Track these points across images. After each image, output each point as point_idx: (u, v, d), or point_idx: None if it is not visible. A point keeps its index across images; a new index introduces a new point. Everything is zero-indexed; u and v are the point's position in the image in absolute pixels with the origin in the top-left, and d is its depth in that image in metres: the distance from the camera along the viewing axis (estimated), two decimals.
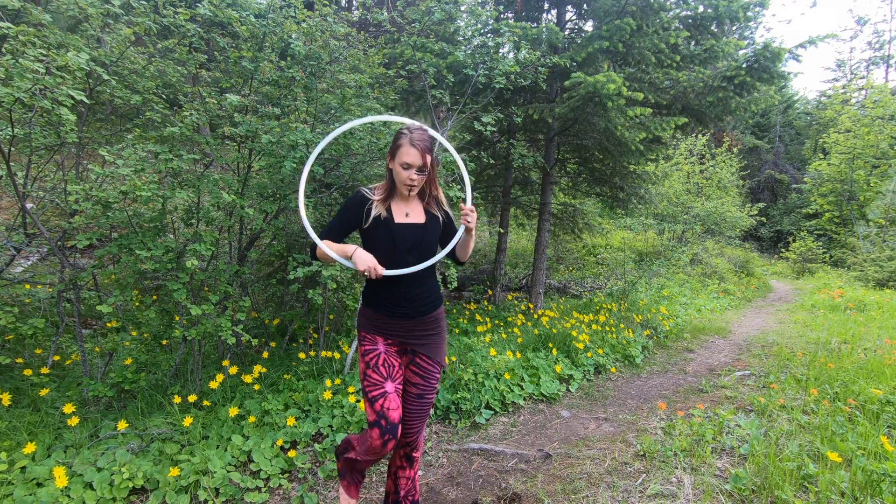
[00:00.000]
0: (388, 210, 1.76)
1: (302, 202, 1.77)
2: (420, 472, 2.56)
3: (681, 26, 5.30)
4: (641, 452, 2.69)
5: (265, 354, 3.27)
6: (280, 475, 2.34)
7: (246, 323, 3.03)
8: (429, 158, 1.69)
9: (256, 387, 2.89)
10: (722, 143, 18.71)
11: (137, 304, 2.99)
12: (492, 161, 5.87)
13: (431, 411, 1.60)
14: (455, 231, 1.86)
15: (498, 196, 6.77)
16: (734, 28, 6.07)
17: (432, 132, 1.73)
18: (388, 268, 1.70)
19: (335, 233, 1.78)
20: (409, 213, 1.80)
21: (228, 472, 2.23)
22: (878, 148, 17.00)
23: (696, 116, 5.53)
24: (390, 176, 1.76)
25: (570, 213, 7.54)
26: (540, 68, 4.37)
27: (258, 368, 2.91)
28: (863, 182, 17.31)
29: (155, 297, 3.12)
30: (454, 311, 5.83)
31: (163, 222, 2.69)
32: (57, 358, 3.04)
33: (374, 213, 1.74)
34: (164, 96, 3.34)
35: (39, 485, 1.96)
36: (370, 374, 1.71)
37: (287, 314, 3.79)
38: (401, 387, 1.77)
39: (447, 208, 1.89)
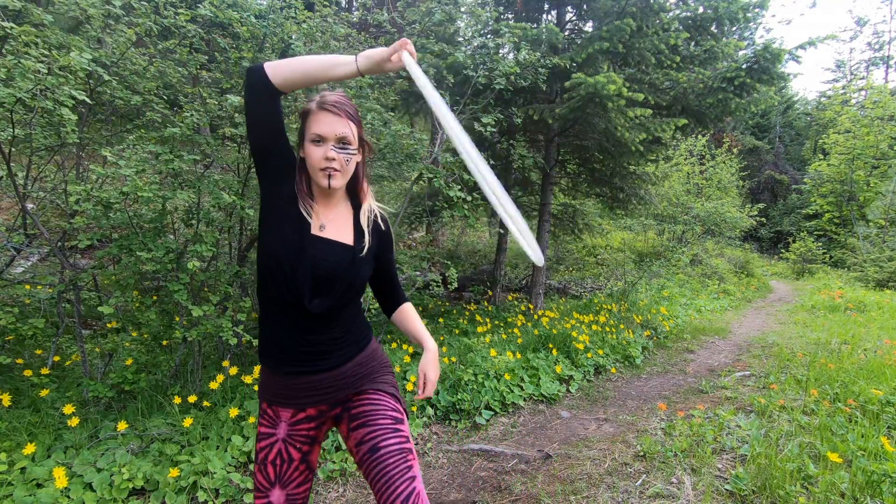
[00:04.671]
0: (307, 209, 1.17)
1: None
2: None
3: (681, 27, 5.30)
4: (641, 453, 2.69)
5: None
6: None
7: (246, 323, 3.02)
8: (354, 128, 1.16)
9: (256, 387, 2.88)
10: (722, 143, 18.73)
11: (137, 304, 2.99)
12: (492, 162, 5.87)
13: (413, 468, 1.15)
14: (391, 252, 1.33)
15: None
16: (734, 29, 6.07)
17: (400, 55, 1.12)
18: (281, 298, 1.15)
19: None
20: (328, 224, 1.20)
21: (228, 472, 2.23)
22: (877, 148, 17.00)
23: (696, 117, 5.53)
24: (303, 170, 1.19)
25: (570, 214, 7.54)
26: (540, 69, 4.38)
27: (258, 369, 2.91)
28: (863, 182, 17.32)
29: (155, 298, 3.12)
30: (454, 311, 5.83)
31: (163, 223, 2.69)
32: (57, 358, 3.04)
33: (294, 200, 1.17)
34: (164, 97, 3.34)
35: (39, 485, 1.96)
36: (256, 473, 1.21)
37: None
38: (299, 491, 1.22)
39: (382, 221, 1.30)
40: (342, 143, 1.15)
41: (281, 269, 1.13)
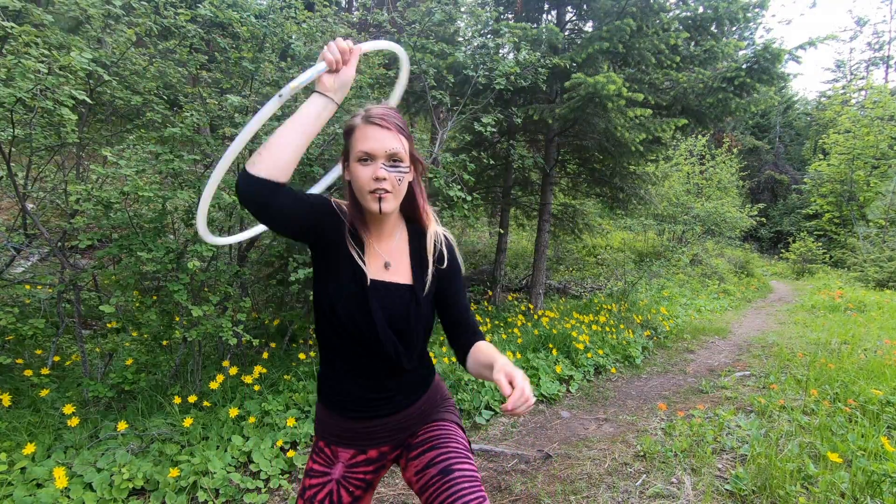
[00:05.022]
0: (360, 250, 1.06)
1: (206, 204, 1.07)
2: None
3: (681, 27, 5.31)
4: (641, 453, 2.69)
5: (265, 355, 3.27)
6: (280, 476, 2.34)
7: (246, 323, 3.02)
8: (405, 143, 1.04)
9: (256, 387, 2.89)
10: (722, 143, 18.73)
11: (137, 304, 2.99)
12: (492, 162, 5.88)
13: (486, 500, 1.03)
14: (456, 282, 1.13)
15: (498, 196, 6.77)
16: (734, 29, 6.07)
17: (391, 46, 1.09)
18: (343, 348, 1.09)
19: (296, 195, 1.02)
20: (391, 261, 1.10)
21: (228, 472, 2.23)
22: (877, 148, 17.01)
23: (696, 117, 5.53)
24: (351, 195, 1.07)
25: (570, 214, 7.54)
26: (540, 69, 4.38)
27: (258, 369, 2.91)
28: (862, 182, 17.32)
29: (155, 298, 3.12)
30: None
31: (163, 223, 2.69)
32: (57, 358, 3.04)
33: (341, 244, 1.06)
34: (164, 97, 3.34)
35: (39, 485, 1.96)
36: None
37: (287, 315, 3.79)
38: None
39: (447, 248, 1.14)
40: (393, 160, 1.02)
41: (340, 321, 1.05)
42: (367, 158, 1.01)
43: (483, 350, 1.08)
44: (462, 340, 1.14)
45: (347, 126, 1.06)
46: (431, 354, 1.25)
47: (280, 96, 0.98)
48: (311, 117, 0.97)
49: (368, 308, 1.04)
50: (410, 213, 1.14)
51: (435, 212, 1.19)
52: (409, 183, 1.09)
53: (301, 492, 1.15)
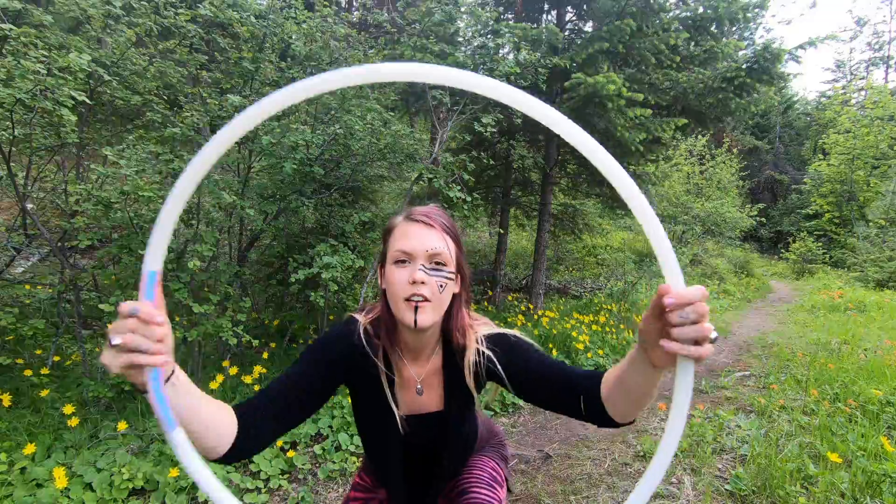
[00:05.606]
0: (390, 381, 0.96)
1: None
2: None
3: (681, 27, 5.31)
4: (641, 453, 2.69)
5: (265, 355, 3.27)
6: (280, 476, 2.34)
7: (246, 323, 3.02)
8: (452, 245, 0.90)
9: (256, 387, 2.88)
10: (722, 143, 18.72)
11: None
12: (492, 162, 5.88)
13: None
14: (528, 361, 0.93)
15: (498, 197, 6.77)
16: (734, 29, 6.08)
17: None
18: (385, 474, 1.09)
19: (288, 385, 0.88)
20: (423, 386, 0.99)
21: (228, 472, 2.23)
22: (877, 149, 17.00)
23: (696, 117, 5.53)
24: (385, 306, 0.94)
25: (570, 214, 7.54)
26: (540, 69, 4.38)
27: (258, 369, 2.91)
28: (862, 183, 17.32)
29: None
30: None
31: None
32: (57, 358, 3.04)
33: (371, 379, 0.96)
34: (164, 97, 3.34)
35: (39, 485, 1.96)
36: None
37: (287, 315, 3.79)
38: None
39: (484, 357, 0.95)
40: (435, 262, 0.87)
41: (379, 460, 1.06)
42: (406, 259, 0.87)
43: (612, 370, 0.78)
44: (578, 393, 0.82)
45: (387, 227, 0.94)
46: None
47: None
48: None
49: (399, 442, 0.99)
50: (448, 331, 0.96)
51: (485, 321, 1.02)
52: (453, 295, 0.93)
53: (345, 500, 1.16)
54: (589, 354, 4.46)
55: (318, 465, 2.51)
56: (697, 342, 0.56)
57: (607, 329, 5.26)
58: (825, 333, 6.00)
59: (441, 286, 0.87)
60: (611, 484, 2.38)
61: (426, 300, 0.86)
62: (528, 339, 0.98)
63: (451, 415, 0.99)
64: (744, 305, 10.05)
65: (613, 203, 7.19)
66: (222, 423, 0.76)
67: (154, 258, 0.58)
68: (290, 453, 2.41)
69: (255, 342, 2.86)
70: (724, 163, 15.71)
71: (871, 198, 16.82)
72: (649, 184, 7.19)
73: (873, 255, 13.42)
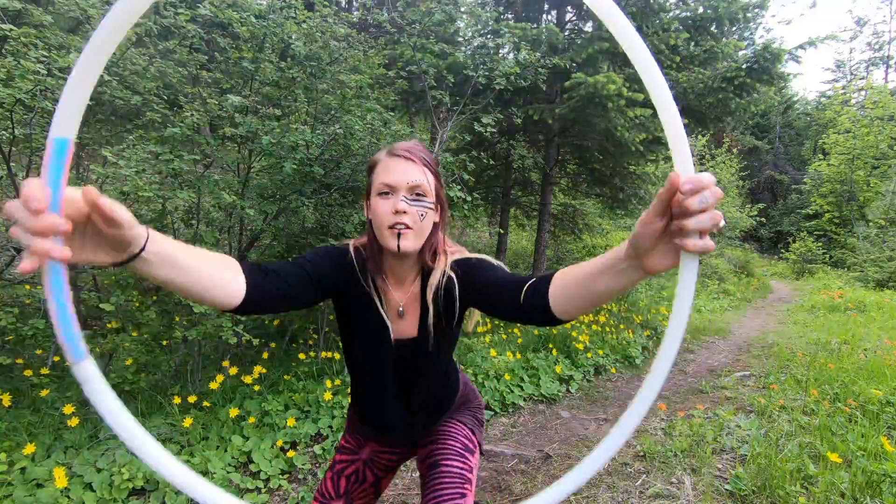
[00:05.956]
0: (381, 305, 1.03)
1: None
2: None
3: (681, 27, 5.31)
4: (641, 453, 2.69)
5: (265, 355, 3.27)
6: (280, 476, 2.34)
7: (246, 323, 3.02)
8: (431, 178, 0.97)
9: (256, 387, 2.89)
10: (722, 143, 18.72)
11: (137, 304, 2.99)
12: (492, 162, 5.88)
13: (466, 496, 1.07)
14: (483, 279, 0.97)
15: (498, 197, 6.78)
16: (734, 29, 6.08)
17: None
18: (369, 393, 1.17)
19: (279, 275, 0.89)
20: (405, 308, 1.05)
21: (228, 472, 2.23)
22: (877, 149, 17.00)
23: (696, 117, 5.54)
24: (370, 235, 1.01)
25: (570, 214, 7.55)
26: (540, 69, 4.38)
27: (258, 369, 2.91)
28: (862, 182, 17.32)
29: (155, 298, 3.12)
30: None
31: (163, 223, 2.69)
32: (57, 358, 3.04)
33: (360, 294, 1.03)
34: (164, 97, 3.34)
35: (39, 485, 1.96)
36: (327, 480, 1.20)
37: (287, 315, 3.79)
38: None
39: (445, 278, 1.01)
40: (416, 192, 0.95)
41: (367, 378, 1.14)
42: (388, 191, 0.95)
43: (572, 269, 0.74)
44: (525, 294, 0.83)
45: (370, 162, 1.01)
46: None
47: None
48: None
49: (381, 357, 1.08)
50: (426, 257, 1.02)
51: (461, 250, 1.09)
52: (433, 224, 1.00)
53: (332, 464, 1.23)
54: (589, 354, 4.46)
55: (318, 465, 2.51)
56: (703, 234, 0.53)
57: (607, 329, 5.26)
58: (825, 333, 6.00)
59: (422, 215, 0.95)
60: (611, 484, 2.38)
61: (408, 227, 0.93)
62: (496, 262, 1.02)
63: (425, 340, 1.04)
64: (744, 305, 10.05)
65: (613, 203, 7.19)
66: (223, 284, 0.74)
67: (65, 124, 0.46)
68: (290, 453, 2.41)
69: (256, 342, 2.86)
70: (724, 163, 15.72)
71: (871, 198, 16.81)
72: (649, 184, 7.18)
73: (873, 255, 13.42)
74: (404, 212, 0.93)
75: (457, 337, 1.17)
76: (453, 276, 1.00)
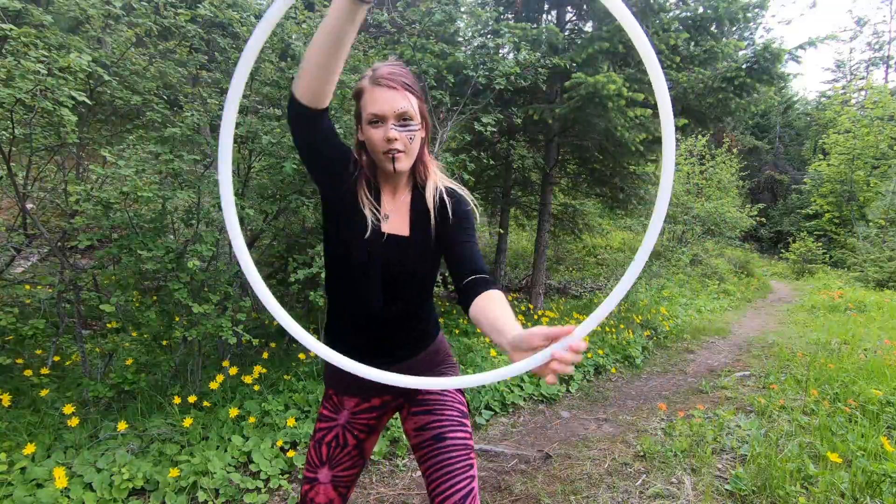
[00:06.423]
0: (376, 200, 1.11)
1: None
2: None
3: (681, 27, 5.31)
4: (641, 453, 2.69)
5: (265, 355, 3.27)
6: (280, 476, 2.34)
7: (246, 323, 3.02)
8: (414, 101, 1.05)
9: (256, 387, 2.89)
10: (722, 143, 18.71)
11: (137, 304, 2.99)
12: (492, 162, 5.88)
13: (474, 466, 1.14)
14: (462, 231, 1.12)
15: (498, 197, 6.77)
16: (734, 29, 6.08)
17: None
18: (351, 300, 1.15)
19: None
20: (392, 213, 1.13)
21: (228, 472, 2.23)
22: (877, 149, 17.00)
23: (696, 117, 5.53)
24: (367, 155, 1.12)
25: (570, 214, 7.55)
26: (540, 69, 4.38)
27: (258, 369, 2.91)
28: (862, 182, 17.31)
29: (155, 298, 3.13)
30: (454, 311, 5.83)
31: (163, 223, 2.69)
32: (57, 359, 3.04)
33: (355, 192, 1.10)
34: (164, 97, 3.34)
35: (39, 485, 1.96)
36: (311, 450, 1.23)
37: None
38: (346, 474, 1.22)
39: (450, 197, 1.15)
40: (403, 119, 1.04)
41: (349, 273, 1.13)
42: (378, 120, 1.03)
43: (495, 304, 0.97)
44: (466, 282, 1.05)
45: (356, 89, 1.08)
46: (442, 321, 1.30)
47: None
48: (335, 23, 0.83)
49: (368, 255, 1.10)
50: (419, 170, 1.14)
51: (441, 167, 1.21)
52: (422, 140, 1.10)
53: (313, 433, 1.26)
54: (589, 354, 4.46)
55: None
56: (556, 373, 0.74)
57: (607, 329, 5.26)
58: (825, 333, 6.00)
59: (411, 138, 1.06)
60: (611, 484, 2.38)
61: (400, 152, 1.04)
62: (476, 221, 1.17)
63: (414, 241, 1.13)
64: (744, 305, 10.05)
65: (613, 203, 7.19)
66: (324, 82, 0.92)
67: None
68: (290, 453, 2.41)
69: (256, 342, 2.85)
70: (724, 163, 15.70)
71: (871, 198, 16.81)
72: (649, 184, 7.19)
73: (873, 255, 13.42)
74: (395, 139, 1.03)
75: (436, 267, 1.21)
76: (449, 201, 1.13)
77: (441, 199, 1.13)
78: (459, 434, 1.16)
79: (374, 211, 1.10)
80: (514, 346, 0.81)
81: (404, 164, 1.06)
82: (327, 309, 1.22)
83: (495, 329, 0.90)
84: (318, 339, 1.16)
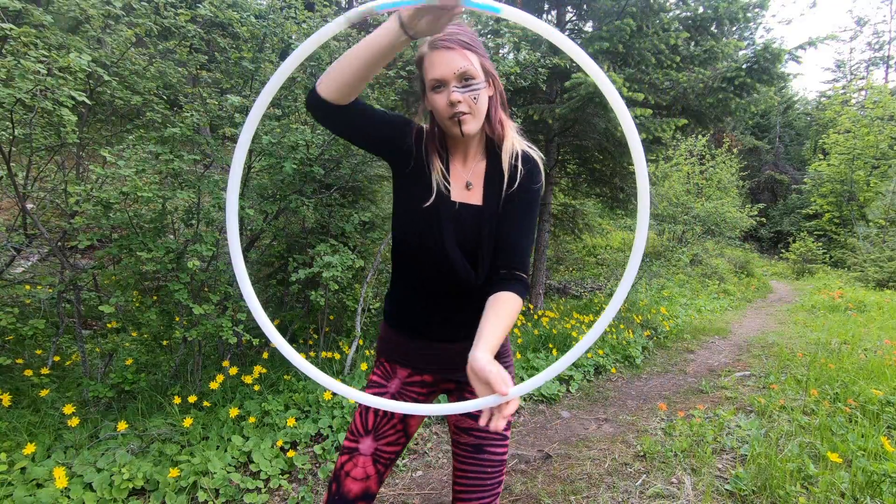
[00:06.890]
0: (446, 172, 1.07)
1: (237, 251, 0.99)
2: (420, 473, 2.56)
3: (681, 27, 5.31)
4: (641, 453, 2.69)
5: (265, 355, 3.27)
6: (280, 476, 2.34)
7: (246, 323, 3.02)
8: (475, 59, 1.00)
9: (256, 387, 2.89)
10: (722, 143, 18.70)
11: (137, 304, 2.99)
12: None
13: (502, 483, 1.16)
14: (517, 207, 1.08)
15: None
16: (734, 29, 6.08)
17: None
18: (418, 273, 1.12)
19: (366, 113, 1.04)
20: (464, 181, 1.10)
21: (228, 472, 2.23)
22: (877, 148, 17.00)
23: (696, 117, 5.53)
24: (434, 121, 1.09)
25: (570, 214, 7.54)
26: (540, 69, 4.37)
27: (258, 369, 2.91)
28: (863, 182, 17.31)
29: (155, 298, 3.12)
30: None
31: (163, 223, 2.69)
32: (57, 359, 3.04)
33: (424, 163, 1.08)
34: (164, 97, 3.34)
35: (39, 485, 1.96)
36: (356, 417, 1.17)
37: (287, 315, 3.79)
38: (388, 450, 1.16)
39: (524, 163, 1.09)
40: (464, 79, 0.99)
41: (419, 244, 1.08)
42: (440, 85, 1.00)
43: (495, 309, 0.97)
44: (492, 273, 1.06)
45: (418, 55, 1.05)
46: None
47: (347, 18, 0.84)
48: (371, 40, 0.89)
49: (441, 228, 1.06)
50: (495, 129, 1.09)
51: (517, 127, 1.15)
52: (490, 98, 1.06)
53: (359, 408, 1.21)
54: (589, 355, 4.46)
55: (318, 465, 2.51)
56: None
57: (607, 329, 5.25)
58: (825, 333, 6.00)
59: (475, 98, 1.00)
60: (611, 484, 2.38)
61: (465, 114, 1.00)
62: (541, 187, 1.12)
63: (487, 209, 1.08)
64: (744, 305, 10.05)
65: (613, 203, 7.19)
66: (353, 87, 0.95)
67: None
68: (291, 453, 2.41)
69: (256, 342, 2.85)
70: (724, 163, 15.70)
71: (871, 198, 16.81)
72: (649, 184, 7.18)
73: (873, 255, 13.42)
74: (459, 101, 0.99)
75: None
76: (523, 169, 1.08)
77: (515, 164, 1.08)
78: (499, 449, 1.15)
79: (444, 181, 1.06)
80: (470, 367, 0.86)
81: (471, 126, 1.01)
82: (391, 278, 1.20)
83: (477, 333, 0.93)
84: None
